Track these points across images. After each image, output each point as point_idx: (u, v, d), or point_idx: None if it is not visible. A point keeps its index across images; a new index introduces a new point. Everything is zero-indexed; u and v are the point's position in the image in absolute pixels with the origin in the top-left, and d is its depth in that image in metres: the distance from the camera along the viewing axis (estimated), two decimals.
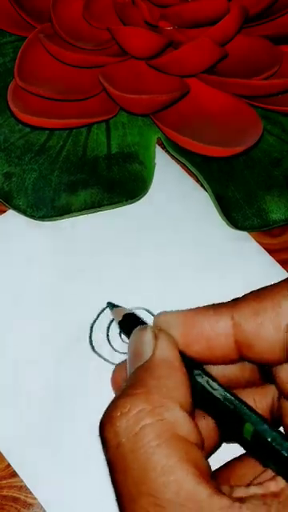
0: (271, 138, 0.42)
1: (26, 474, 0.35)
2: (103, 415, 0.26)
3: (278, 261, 0.41)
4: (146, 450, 0.24)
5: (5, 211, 0.41)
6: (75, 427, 0.36)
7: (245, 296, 0.28)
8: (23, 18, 0.43)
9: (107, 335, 0.38)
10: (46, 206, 0.40)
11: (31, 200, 0.40)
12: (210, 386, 0.27)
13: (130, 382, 0.26)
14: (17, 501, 0.35)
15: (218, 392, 0.27)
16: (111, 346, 0.38)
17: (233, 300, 0.28)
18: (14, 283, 0.39)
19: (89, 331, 0.38)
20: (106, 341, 0.38)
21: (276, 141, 0.42)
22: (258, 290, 0.28)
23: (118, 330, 0.38)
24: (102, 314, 0.39)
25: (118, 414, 0.25)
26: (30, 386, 0.37)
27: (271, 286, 0.28)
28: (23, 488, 0.35)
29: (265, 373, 0.30)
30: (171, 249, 0.41)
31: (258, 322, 0.27)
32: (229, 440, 0.30)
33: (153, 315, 0.39)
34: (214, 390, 0.27)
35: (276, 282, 0.39)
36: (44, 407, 0.37)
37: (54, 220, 0.41)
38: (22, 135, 0.42)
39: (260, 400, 0.30)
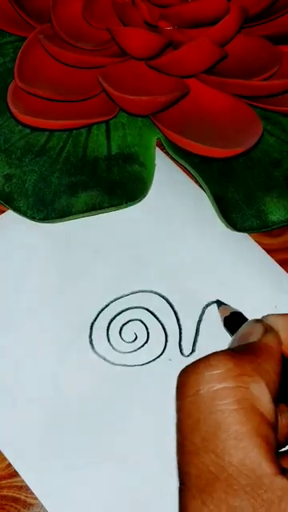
0: (271, 139, 0.42)
1: (27, 474, 0.35)
2: (191, 363, 0.27)
3: (278, 261, 0.41)
4: (222, 409, 0.25)
5: (4, 211, 0.42)
6: (75, 427, 0.36)
7: None
8: (23, 18, 0.43)
9: (107, 335, 0.39)
10: (46, 208, 0.41)
11: (32, 202, 0.41)
12: None
13: (227, 350, 0.27)
14: (17, 501, 0.35)
15: None
16: (111, 345, 0.38)
17: None
18: (13, 283, 0.40)
19: (89, 331, 0.39)
20: (106, 340, 0.38)
21: (276, 141, 0.42)
22: None
23: (118, 330, 0.39)
24: (101, 314, 0.39)
25: (205, 366, 0.26)
26: (30, 386, 0.37)
27: None
28: (23, 488, 0.35)
29: None
30: (171, 249, 0.41)
31: None
32: None
33: (153, 315, 0.39)
34: None
35: (274, 280, 0.40)
36: (44, 407, 0.37)
37: (55, 222, 0.41)
38: (22, 136, 0.42)
39: None
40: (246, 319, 0.35)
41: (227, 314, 0.37)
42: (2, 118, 0.42)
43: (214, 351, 0.27)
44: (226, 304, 0.38)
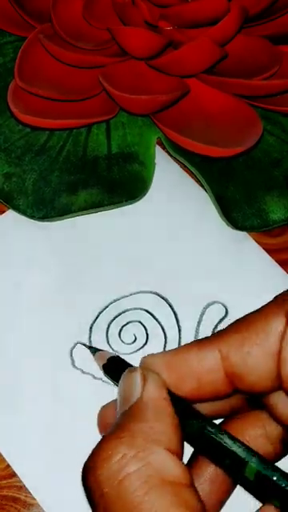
0: (271, 139, 0.42)
1: (26, 475, 0.35)
2: (86, 461, 0.25)
3: (278, 261, 0.41)
4: (132, 499, 0.23)
5: (4, 211, 0.42)
6: (75, 427, 0.36)
7: (229, 327, 0.27)
8: (23, 18, 0.43)
9: (106, 336, 0.38)
10: (46, 206, 0.40)
11: (31, 200, 0.41)
12: (208, 430, 0.26)
13: (115, 427, 0.25)
14: (17, 501, 0.35)
15: (215, 434, 0.26)
16: (110, 346, 0.38)
17: (217, 333, 0.27)
18: (13, 283, 0.40)
19: (88, 332, 0.38)
20: (106, 342, 0.38)
21: (276, 141, 0.42)
22: (241, 318, 0.27)
23: (117, 331, 0.38)
24: (100, 316, 0.39)
25: (100, 460, 0.24)
26: (30, 386, 0.37)
27: (254, 312, 0.27)
28: (23, 488, 0.35)
29: (252, 400, 0.30)
30: (171, 249, 0.41)
31: (245, 351, 0.26)
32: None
33: (153, 316, 0.39)
34: (210, 433, 0.26)
35: (274, 281, 0.40)
36: (44, 407, 0.37)
37: (54, 220, 0.41)
38: (22, 135, 0.42)
39: (254, 429, 0.30)
40: (126, 363, 0.32)
41: (104, 361, 0.33)
42: (2, 117, 0.42)
43: (103, 437, 0.25)
44: (101, 350, 0.36)
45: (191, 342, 0.28)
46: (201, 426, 0.26)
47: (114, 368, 0.32)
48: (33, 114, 0.39)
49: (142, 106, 0.40)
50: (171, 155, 0.43)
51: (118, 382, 0.29)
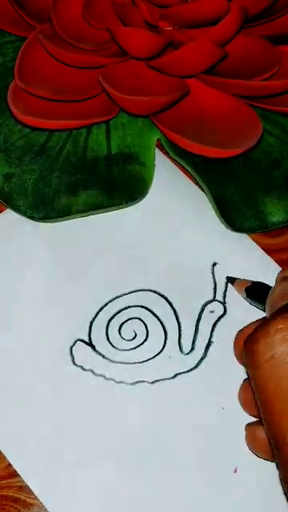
0: (271, 139, 0.42)
1: (27, 473, 0.35)
2: (255, 330, 0.27)
3: (277, 261, 0.41)
4: None
5: (3, 210, 0.42)
6: (76, 426, 0.36)
7: None
8: (23, 18, 0.43)
9: (106, 333, 0.39)
10: (46, 207, 0.41)
11: (31, 201, 0.41)
12: None
13: (282, 307, 0.28)
14: (17, 501, 0.35)
15: None
16: (110, 343, 0.38)
17: None
18: (13, 282, 0.40)
19: (88, 329, 0.39)
20: (106, 339, 0.38)
21: (276, 141, 0.42)
22: None
23: (117, 328, 0.39)
24: (100, 313, 0.39)
25: (274, 329, 0.27)
26: (30, 384, 0.37)
27: None
28: (23, 488, 0.35)
29: None
30: (170, 249, 0.41)
31: None
32: None
33: (152, 313, 0.39)
34: None
35: (273, 280, 0.40)
36: (45, 405, 0.37)
37: (54, 221, 0.41)
38: (22, 136, 0.42)
39: None
40: (268, 286, 0.35)
41: (248, 284, 0.38)
42: (1, 117, 0.42)
43: (273, 314, 0.28)
44: (237, 278, 0.39)
45: None
46: None
47: (258, 291, 0.36)
48: (33, 115, 0.39)
49: (141, 107, 0.40)
50: (171, 156, 0.43)
51: (261, 303, 0.33)
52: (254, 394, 0.28)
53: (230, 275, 0.40)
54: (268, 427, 0.27)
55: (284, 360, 0.26)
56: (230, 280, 0.40)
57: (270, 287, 0.34)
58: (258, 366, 0.27)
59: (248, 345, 0.28)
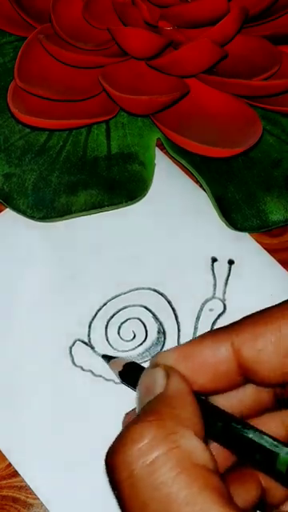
0: (271, 139, 0.42)
1: (27, 474, 0.35)
2: (111, 444, 0.24)
3: (279, 260, 0.41)
4: (163, 480, 0.23)
5: (2, 210, 0.42)
6: (76, 426, 0.36)
7: (242, 320, 0.27)
8: (23, 18, 0.43)
9: (105, 333, 0.39)
10: (46, 207, 0.41)
11: (31, 201, 0.41)
12: (233, 426, 0.26)
13: (141, 414, 0.25)
14: (17, 501, 0.35)
15: (241, 430, 0.26)
16: (109, 343, 0.38)
17: (230, 324, 0.27)
18: (12, 282, 0.40)
19: (87, 330, 0.39)
20: (105, 339, 0.38)
21: (276, 141, 0.42)
22: (256, 313, 0.27)
23: (116, 328, 0.38)
24: (99, 313, 0.39)
25: (129, 441, 0.24)
26: (30, 384, 0.37)
27: (269, 309, 0.27)
28: (23, 488, 0.35)
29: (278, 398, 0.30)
30: (170, 248, 0.41)
31: (258, 347, 0.26)
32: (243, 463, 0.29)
33: (152, 312, 0.39)
34: (237, 429, 0.26)
35: (273, 279, 0.40)
36: (44, 406, 0.37)
37: (54, 221, 0.41)
38: (22, 136, 0.42)
39: (276, 426, 0.29)
40: (141, 367, 0.32)
41: (120, 368, 0.33)
42: (1, 117, 0.42)
43: (129, 422, 0.25)
44: (114, 357, 0.36)
45: (204, 334, 0.28)
46: (226, 422, 0.26)
47: (131, 374, 0.32)
48: (33, 114, 0.39)
49: (141, 107, 0.40)
50: (171, 156, 0.43)
51: (134, 386, 0.29)
52: None
53: (231, 275, 0.40)
54: None
55: (144, 475, 0.23)
56: (106, 358, 0.37)
57: (143, 369, 0.31)
58: (118, 487, 0.23)
59: (106, 461, 0.24)
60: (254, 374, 0.27)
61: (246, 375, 0.27)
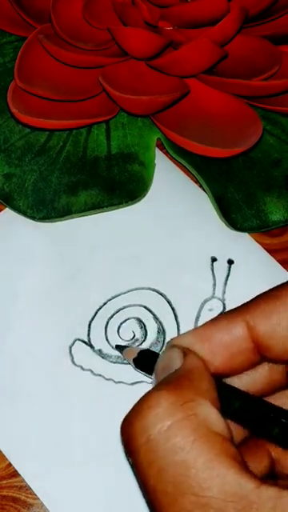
0: (271, 139, 0.42)
1: (27, 474, 0.35)
2: (127, 413, 0.25)
3: (279, 261, 0.41)
4: (181, 445, 0.23)
5: (2, 210, 0.42)
6: (76, 426, 0.36)
7: (255, 299, 0.28)
8: (23, 18, 0.43)
9: (105, 333, 0.39)
10: (46, 207, 0.41)
11: (31, 201, 0.41)
12: (251, 404, 0.27)
13: (158, 384, 0.25)
14: (17, 501, 0.35)
15: (259, 407, 0.27)
16: (109, 343, 0.38)
17: (243, 304, 0.28)
18: (12, 282, 0.40)
19: (87, 329, 0.39)
20: (105, 339, 0.38)
21: (276, 141, 0.42)
22: (267, 291, 0.28)
23: (116, 328, 0.39)
24: (99, 312, 0.39)
25: (146, 408, 0.24)
26: (29, 384, 0.37)
27: (280, 286, 0.28)
28: (23, 488, 0.35)
29: None
30: (170, 248, 0.41)
31: (273, 322, 0.27)
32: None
33: (151, 312, 0.39)
34: (255, 405, 0.27)
35: (277, 282, 0.40)
36: (44, 406, 0.37)
37: (55, 221, 0.41)
38: (22, 136, 0.42)
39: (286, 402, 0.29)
40: (155, 353, 0.33)
41: (134, 355, 0.33)
42: (1, 117, 0.42)
43: (148, 391, 0.25)
44: (126, 346, 0.37)
45: (218, 316, 0.28)
46: (244, 400, 0.27)
47: (146, 360, 0.33)
48: (33, 115, 0.39)
49: (141, 107, 0.40)
50: (171, 156, 0.43)
51: (150, 373, 0.30)
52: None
53: (230, 275, 0.40)
54: None
55: (161, 440, 0.23)
56: (119, 348, 0.37)
57: (158, 355, 0.31)
58: (135, 452, 0.24)
59: (122, 428, 0.24)
60: (269, 351, 0.27)
61: (261, 352, 0.27)
